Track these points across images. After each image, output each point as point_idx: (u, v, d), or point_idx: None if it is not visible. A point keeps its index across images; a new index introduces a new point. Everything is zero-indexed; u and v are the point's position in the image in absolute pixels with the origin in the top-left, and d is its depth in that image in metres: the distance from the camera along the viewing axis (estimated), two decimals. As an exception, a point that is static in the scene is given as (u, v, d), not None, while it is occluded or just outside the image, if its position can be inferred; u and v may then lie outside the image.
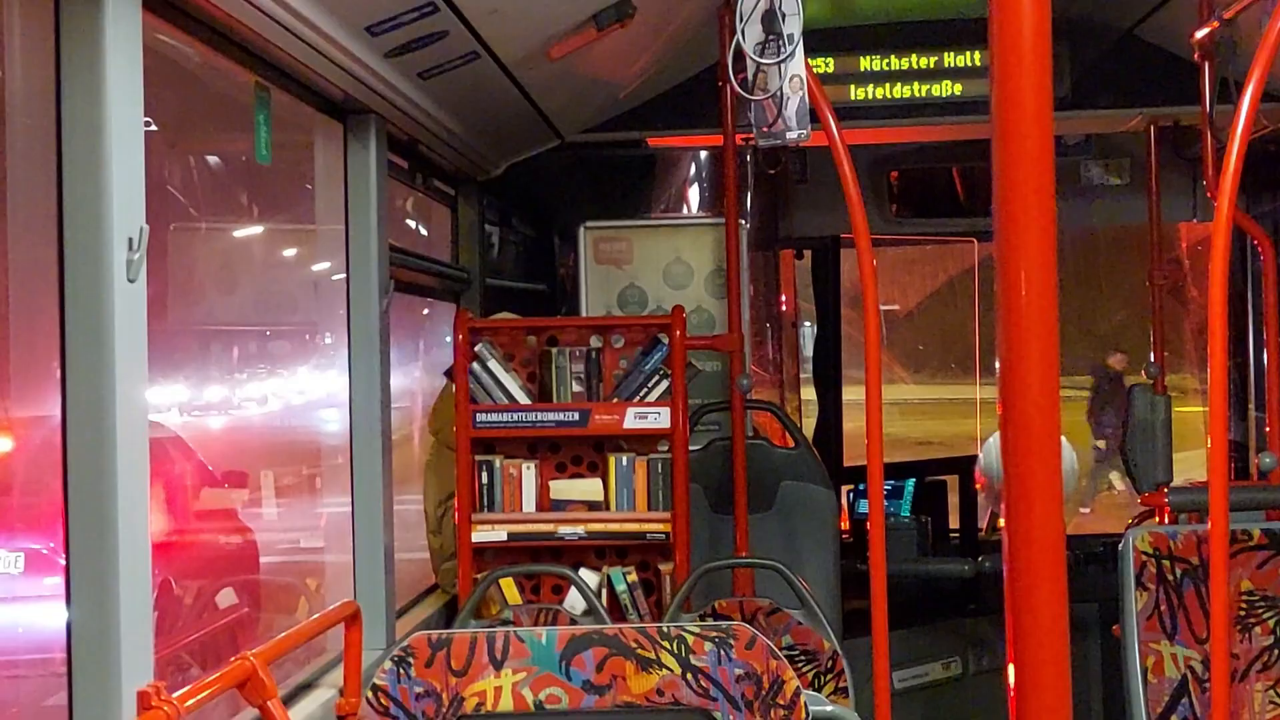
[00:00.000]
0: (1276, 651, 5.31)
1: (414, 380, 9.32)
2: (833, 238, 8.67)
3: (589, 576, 5.90)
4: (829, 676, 5.51)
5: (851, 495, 8.71)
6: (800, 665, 5.50)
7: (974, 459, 9.31)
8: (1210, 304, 3.95)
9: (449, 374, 6.13)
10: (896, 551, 8.15)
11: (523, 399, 5.89)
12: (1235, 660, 5.31)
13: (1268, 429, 6.38)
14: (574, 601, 5.77)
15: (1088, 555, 7.57)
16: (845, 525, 8.33)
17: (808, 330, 10.10)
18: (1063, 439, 1.46)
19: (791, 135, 4.32)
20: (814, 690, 5.34)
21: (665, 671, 3.86)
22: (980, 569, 7.85)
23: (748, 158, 7.89)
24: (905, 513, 8.66)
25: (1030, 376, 1.20)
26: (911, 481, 8.74)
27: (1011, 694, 1.37)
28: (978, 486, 8.73)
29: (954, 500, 8.87)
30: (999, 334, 1.34)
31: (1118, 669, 5.40)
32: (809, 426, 8.99)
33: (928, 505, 8.70)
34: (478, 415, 5.85)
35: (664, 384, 5.87)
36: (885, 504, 8.91)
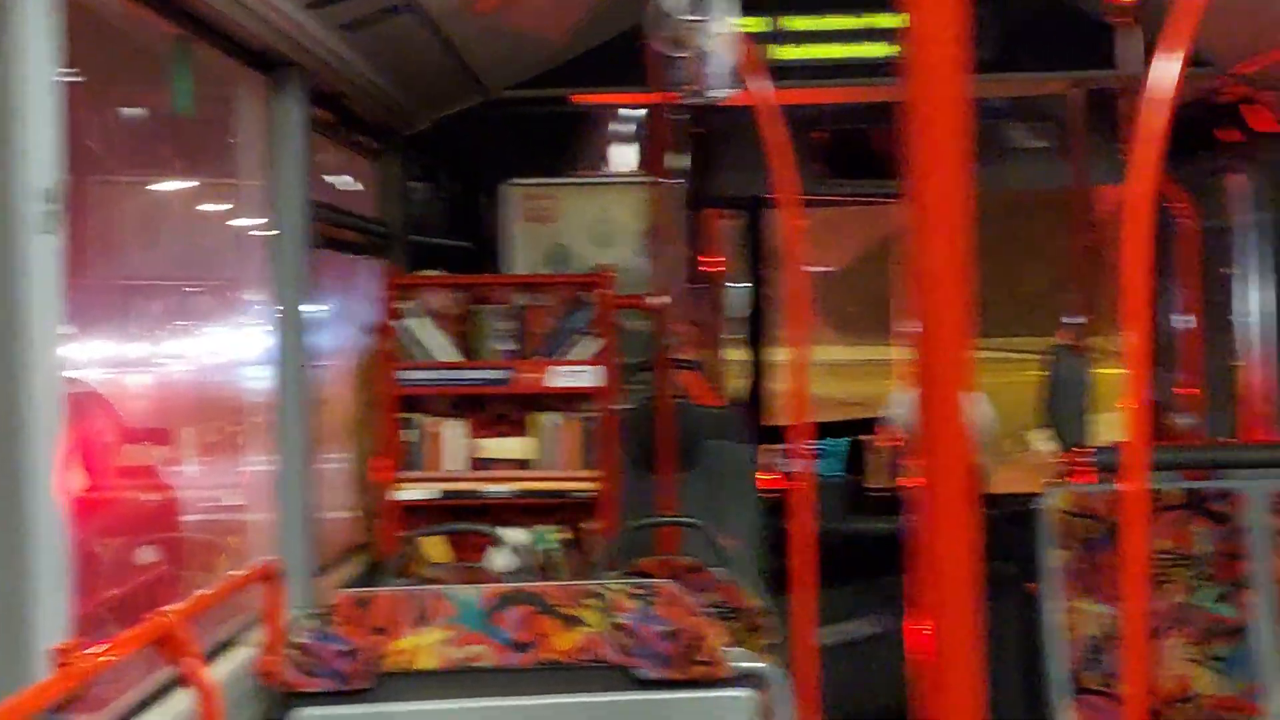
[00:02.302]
0: (1192, 610, 5.39)
1: (345, 337, 9.24)
2: (760, 197, 8.65)
3: (515, 535, 5.89)
4: (754, 633, 5.53)
5: (781, 454, 8.74)
6: (725, 622, 5.52)
7: (899, 418, 9.35)
8: (1130, 266, 3.97)
9: (376, 331, 6.10)
10: (826, 510, 8.17)
11: (449, 357, 5.86)
12: (1151, 618, 5.38)
13: (1180, 390, 6.46)
14: (499, 560, 5.77)
15: (1008, 514, 7.63)
16: (775, 484, 8.36)
17: (735, 290, 10.11)
18: (982, 396, 1.46)
19: (715, 93, 4.32)
20: (740, 647, 5.37)
21: (589, 629, 3.86)
22: (908, 528, 7.90)
23: (676, 116, 7.86)
24: (835, 471, 8.70)
25: (944, 338, 1.20)
26: (841, 440, 8.79)
27: (918, 652, 1.38)
28: (884, 443, 8.76)
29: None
30: (913, 294, 1.34)
31: (1036, 627, 5.45)
32: (736, 386, 9.01)
33: (858, 464, 8.75)
34: (403, 373, 5.82)
35: (590, 343, 5.86)
36: (815, 463, 8.98)
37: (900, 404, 4.91)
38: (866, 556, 8.37)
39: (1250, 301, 7.66)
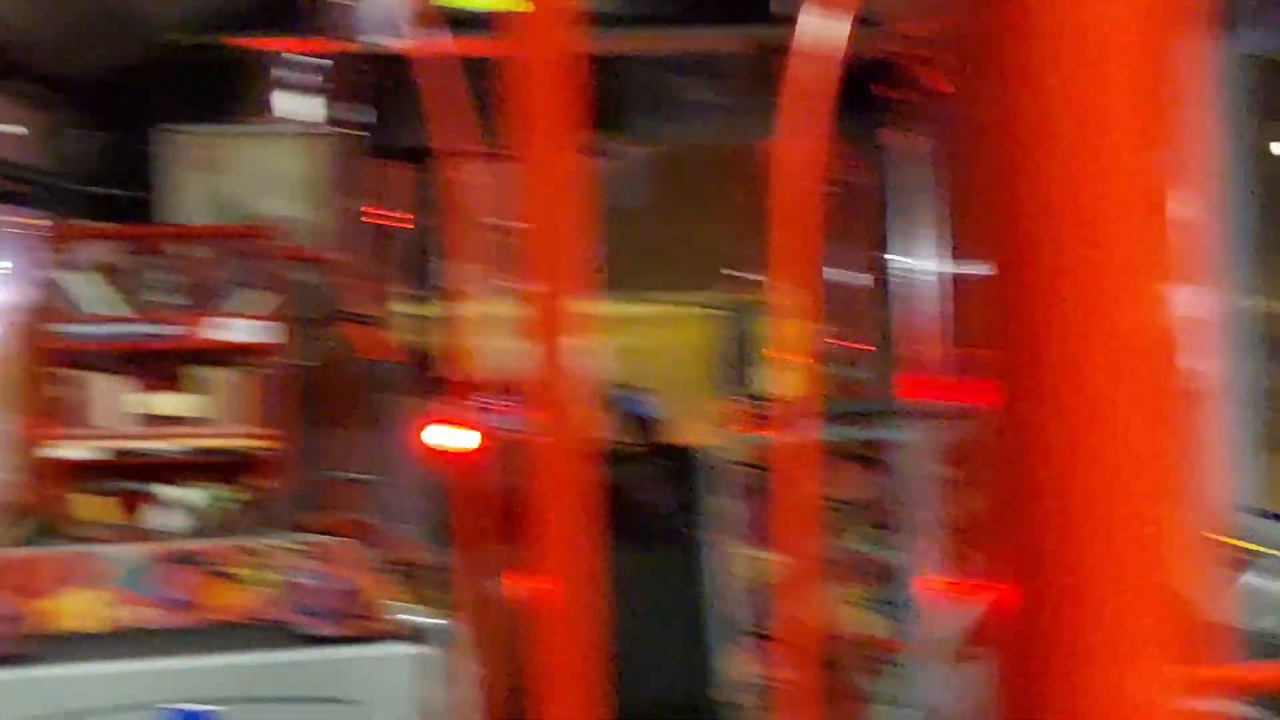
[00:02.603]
0: (857, 554, 5.58)
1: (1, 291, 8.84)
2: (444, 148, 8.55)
3: (187, 494, 5.75)
4: (432, 588, 5.52)
5: (473, 409, 8.70)
6: (402, 578, 5.49)
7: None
8: (789, 223, 4.07)
9: (44, 285, 5.87)
10: (510, 464, 8.17)
11: (111, 310, 5.67)
12: (815, 563, 5.55)
13: (850, 345, 6.66)
14: (167, 519, 5.62)
15: (680, 465, 7.77)
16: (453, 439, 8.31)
17: (416, 243, 10.00)
18: (602, 349, 1.47)
19: (385, 41, 4.27)
20: (417, 602, 5.35)
21: (255, 587, 3.80)
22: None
23: (356, 65, 7.71)
24: (520, 427, 8.72)
25: (554, 291, 1.20)
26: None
27: (533, 609, 1.38)
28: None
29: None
30: (521, 249, 1.33)
31: (705, 575, 5.58)
32: (416, 341, 8.93)
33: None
34: (62, 327, 5.61)
35: (261, 296, 5.74)
36: (501, 416, 8.94)
37: (505, 355, 4.95)
38: None
39: (918, 259, 7.93)
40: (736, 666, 5.43)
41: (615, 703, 7.18)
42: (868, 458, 5.66)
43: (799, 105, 4.27)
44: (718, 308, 7.66)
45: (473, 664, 4.72)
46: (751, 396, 7.28)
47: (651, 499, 8.74)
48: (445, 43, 4.53)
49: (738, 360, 7.13)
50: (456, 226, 4.79)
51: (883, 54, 7.42)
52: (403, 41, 4.20)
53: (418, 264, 9.12)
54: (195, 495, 5.80)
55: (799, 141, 4.03)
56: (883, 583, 5.59)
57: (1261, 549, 4.96)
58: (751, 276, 7.88)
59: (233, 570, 3.82)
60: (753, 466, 5.53)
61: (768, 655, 5.28)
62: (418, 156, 8.67)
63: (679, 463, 8.01)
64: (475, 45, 7.42)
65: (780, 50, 7.64)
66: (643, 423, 8.97)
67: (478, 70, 8.37)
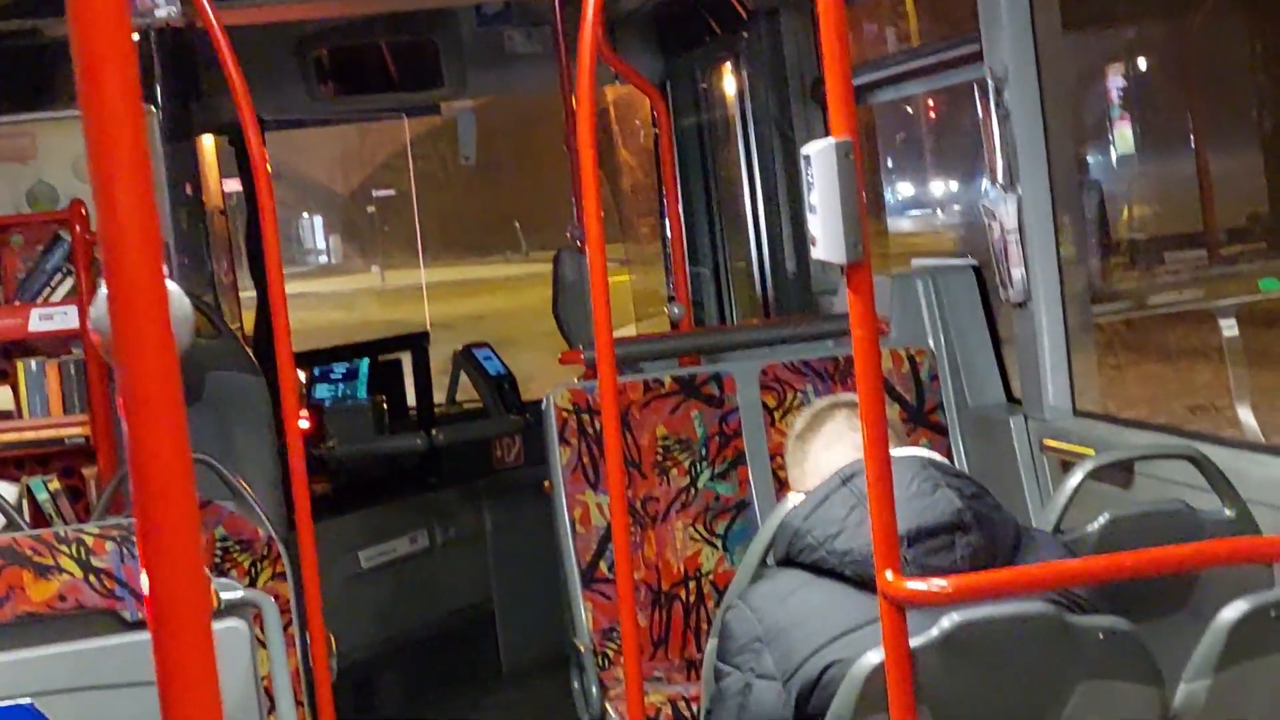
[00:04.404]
0: (692, 491, 5.60)
1: None
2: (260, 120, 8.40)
3: (6, 489, 5.64)
4: (265, 564, 5.47)
5: (309, 381, 8.64)
6: (235, 555, 5.43)
7: (425, 335, 9.37)
8: (581, 165, 4.06)
9: None
10: (354, 432, 8.14)
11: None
12: (656, 502, 5.58)
13: (675, 281, 6.68)
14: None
15: (531, 417, 7.77)
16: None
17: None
18: (175, 288, 1.46)
19: (160, 14, 4.19)
20: (251, 578, 5.30)
21: (65, 576, 3.73)
22: (434, 443, 7.95)
23: (152, 39, 7.55)
24: (362, 393, 8.67)
25: (127, 237, 1.18)
26: (365, 361, 8.76)
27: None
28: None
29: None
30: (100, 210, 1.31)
31: (559, 524, 5.58)
32: (243, 318, 8.82)
33: (383, 384, 8.74)
34: None
35: (69, 282, 5.64)
36: (341, 385, 8.87)
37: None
38: (398, 475, 8.42)
39: (748, 196, 7.94)
40: (589, 612, 5.45)
41: (496, 653, 7.13)
42: (699, 393, 5.68)
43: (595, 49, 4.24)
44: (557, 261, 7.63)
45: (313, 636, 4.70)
46: (587, 345, 7.27)
47: (508, 455, 8.73)
48: (215, 14, 4.45)
49: (570, 308, 7.12)
50: (259, 201, 4.72)
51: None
52: (170, 12, 4.12)
53: (251, 239, 8.99)
54: (25, 489, 5.71)
55: (579, 88, 4.02)
56: (723, 516, 5.63)
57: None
58: (575, 222, 7.85)
59: (44, 561, 3.75)
60: (585, 412, 5.54)
61: (613, 600, 5.30)
62: (231, 130, 8.53)
63: (530, 415, 8.01)
64: (270, 12, 7.31)
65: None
66: (496, 380, 8.95)
67: (301, 37, 8.25)
